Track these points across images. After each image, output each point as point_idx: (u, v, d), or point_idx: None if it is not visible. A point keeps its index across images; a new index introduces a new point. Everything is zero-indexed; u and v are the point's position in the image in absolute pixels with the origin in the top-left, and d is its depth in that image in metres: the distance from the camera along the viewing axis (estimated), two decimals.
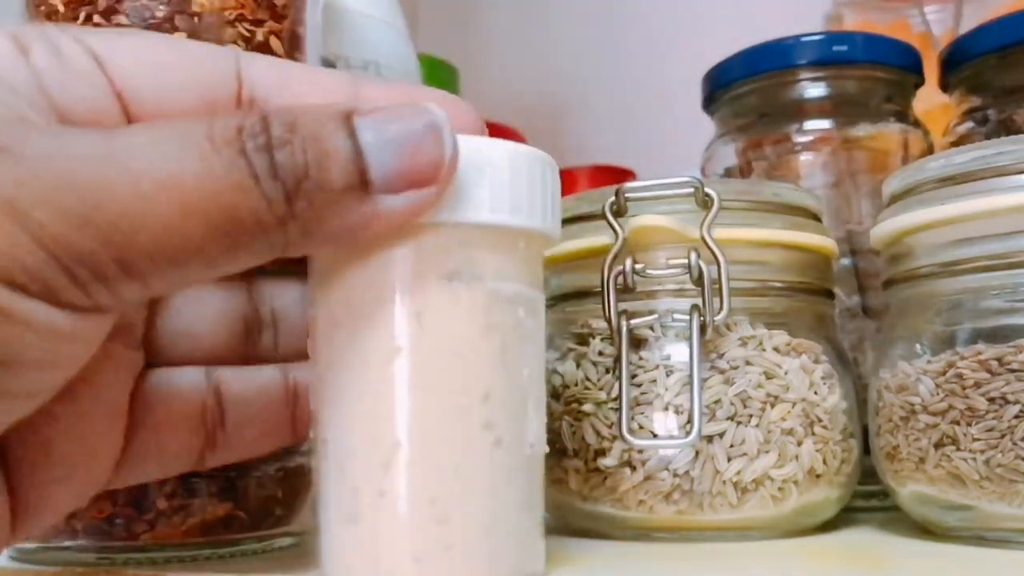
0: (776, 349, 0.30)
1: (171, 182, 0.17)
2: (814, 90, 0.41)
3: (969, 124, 0.40)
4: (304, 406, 0.24)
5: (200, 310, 0.25)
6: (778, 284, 0.32)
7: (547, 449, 0.23)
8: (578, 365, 0.32)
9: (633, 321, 0.30)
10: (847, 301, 0.39)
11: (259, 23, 0.29)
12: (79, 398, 0.21)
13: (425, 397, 0.21)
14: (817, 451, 0.30)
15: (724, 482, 0.29)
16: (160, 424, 0.24)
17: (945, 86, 0.42)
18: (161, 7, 0.28)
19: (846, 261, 0.40)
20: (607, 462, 0.30)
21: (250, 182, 0.18)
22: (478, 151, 0.21)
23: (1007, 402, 0.26)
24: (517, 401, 0.22)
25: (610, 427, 0.30)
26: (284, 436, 0.25)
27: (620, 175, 0.61)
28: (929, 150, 0.42)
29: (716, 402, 0.29)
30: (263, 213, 0.18)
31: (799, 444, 0.30)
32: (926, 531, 0.30)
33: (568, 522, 0.33)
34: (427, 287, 0.21)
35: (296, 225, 0.18)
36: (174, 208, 0.17)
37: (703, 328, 0.29)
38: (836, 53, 0.41)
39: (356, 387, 0.21)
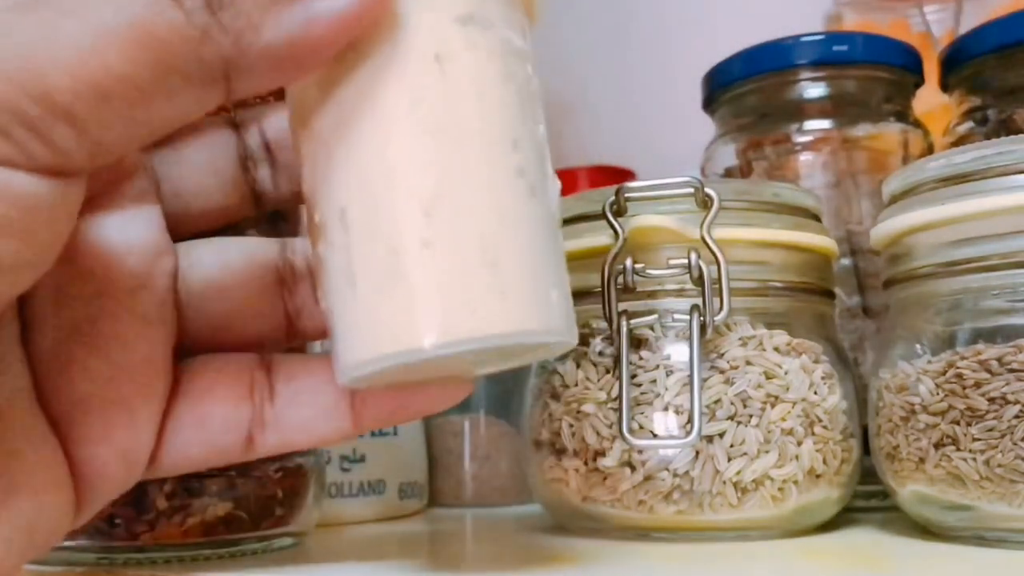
0: (776, 349, 0.30)
1: (80, 12, 0.17)
2: (814, 90, 0.41)
3: (969, 124, 0.40)
4: (362, 394, 0.23)
5: (225, 259, 0.24)
6: (778, 284, 0.32)
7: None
8: (578, 365, 0.32)
9: (633, 321, 0.30)
10: (847, 301, 0.39)
11: None
12: (109, 351, 0.21)
13: (458, 142, 0.20)
14: (817, 451, 0.30)
15: (724, 482, 0.29)
16: (203, 392, 0.23)
17: (945, 86, 0.42)
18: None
19: (846, 261, 0.40)
20: (607, 462, 0.30)
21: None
22: None
23: (1007, 402, 0.26)
24: (540, 154, 0.21)
25: (610, 427, 0.30)
26: (342, 421, 0.24)
27: (620, 175, 0.61)
28: (929, 150, 0.42)
29: (716, 402, 0.29)
30: (182, 26, 0.17)
31: (799, 444, 0.30)
32: (926, 531, 0.30)
33: (568, 522, 0.33)
34: (444, 30, 0.20)
35: (228, 39, 0.18)
36: (85, 36, 0.17)
37: (703, 328, 0.29)
38: (836, 53, 0.41)
39: (377, 142, 0.20)
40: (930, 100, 0.44)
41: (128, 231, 0.22)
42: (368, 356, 0.20)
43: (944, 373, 0.28)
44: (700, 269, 0.29)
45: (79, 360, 0.21)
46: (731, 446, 0.29)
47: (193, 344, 0.24)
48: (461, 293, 0.20)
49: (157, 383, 0.22)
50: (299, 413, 0.24)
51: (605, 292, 0.30)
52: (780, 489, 0.29)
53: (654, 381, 0.30)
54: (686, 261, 0.29)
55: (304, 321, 0.25)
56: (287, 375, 0.24)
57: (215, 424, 0.23)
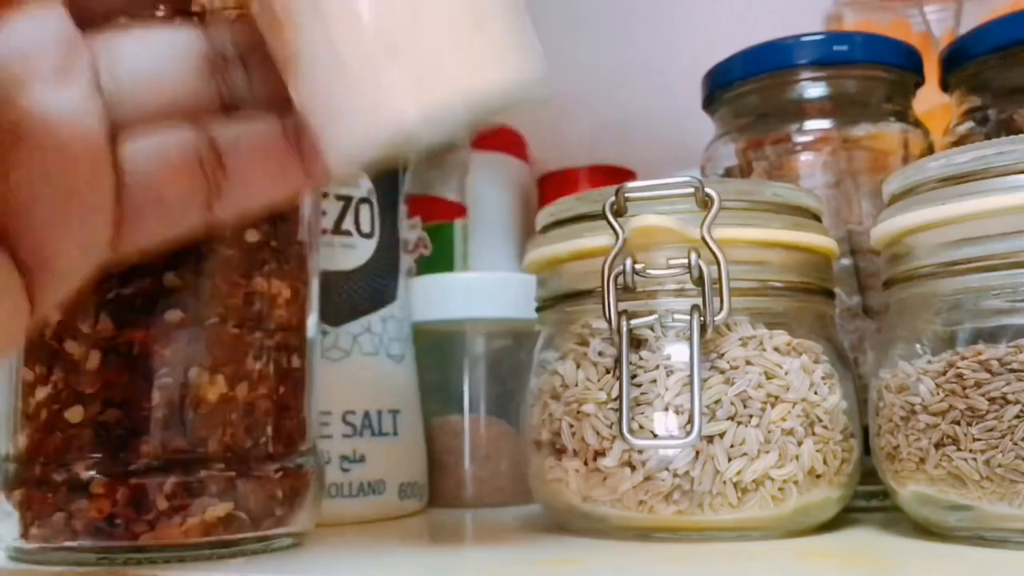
0: (776, 349, 0.30)
1: None
2: (814, 90, 0.41)
3: (969, 124, 0.40)
4: (309, 142, 0.23)
5: (150, 49, 0.24)
6: (778, 284, 0.32)
7: None
8: (578, 365, 0.32)
9: (633, 321, 0.30)
10: (847, 301, 0.39)
11: None
12: (43, 155, 0.21)
13: None
14: (817, 451, 0.30)
15: (724, 482, 0.29)
16: (153, 175, 0.23)
17: (945, 86, 0.42)
18: (161, 6, 0.28)
19: (846, 261, 0.39)
20: (607, 462, 0.30)
21: None
22: None
23: (1007, 402, 0.26)
24: None
25: (610, 427, 0.30)
26: (295, 175, 0.24)
27: (620, 175, 0.61)
28: (929, 150, 0.42)
29: (716, 402, 0.29)
30: None
31: (799, 444, 0.30)
32: (926, 531, 0.30)
33: (568, 522, 0.33)
34: None
35: None
36: None
37: (703, 328, 0.29)
38: (836, 53, 0.41)
39: None
40: (930, 100, 0.44)
41: (40, 31, 0.22)
42: (364, 135, 0.20)
43: (944, 373, 0.28)
44: (700, 269, 0.29)
45: (15, 163, 0.21)
46: (731, 446, 0.29)
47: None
48: (450, 55, 0.20)
49: (101, 173, 0.22)
50: (253, 177, 0.24)
51: (605, 292, 0.30)
52: (780, 489, 0.29)
53: (654, 381, 0.30)
54: (686, 261, 0.29)
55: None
56: (233, 144, 0.24)
57: (171, 203, 0.24)
